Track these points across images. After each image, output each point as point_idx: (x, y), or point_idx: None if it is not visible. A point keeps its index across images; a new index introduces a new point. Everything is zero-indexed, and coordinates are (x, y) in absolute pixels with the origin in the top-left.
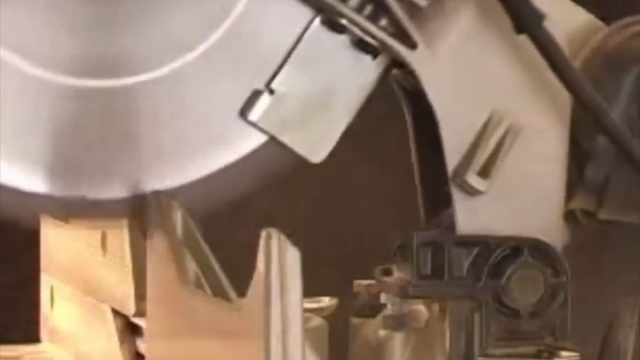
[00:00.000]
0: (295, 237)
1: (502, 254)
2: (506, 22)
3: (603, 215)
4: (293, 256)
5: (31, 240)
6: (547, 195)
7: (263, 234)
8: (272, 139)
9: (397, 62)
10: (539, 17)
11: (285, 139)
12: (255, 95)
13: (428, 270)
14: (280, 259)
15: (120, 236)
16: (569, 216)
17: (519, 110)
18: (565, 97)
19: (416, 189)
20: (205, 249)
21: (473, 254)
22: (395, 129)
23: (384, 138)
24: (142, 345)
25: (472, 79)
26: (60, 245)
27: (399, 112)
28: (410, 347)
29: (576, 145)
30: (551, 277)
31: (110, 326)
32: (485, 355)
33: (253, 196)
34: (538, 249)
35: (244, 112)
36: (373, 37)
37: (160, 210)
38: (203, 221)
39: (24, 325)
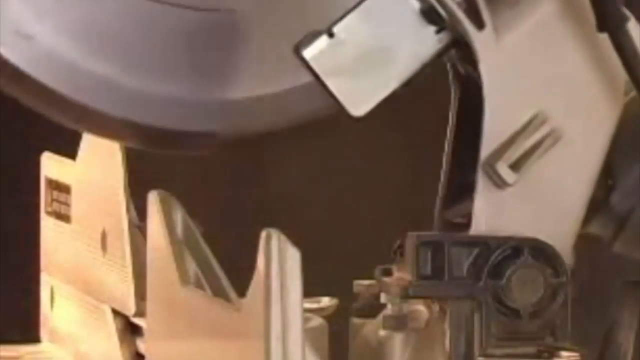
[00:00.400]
0: (295, 237)
1: (502, 254)
2: (582, 28)
3: (617, 247)
4: (293, 256)
5: (31, 240)
6: (569, 206)
7: (263, 234)
8: (318, 81)
9: (457, 43)
10: (623, 18)
11: (330, 83)
12: (314, 34)
13: (428, 270)
14: (280, 259)
15: (120, 236)
16: (581, 240)
17: (565, 117)
18: (611, 118)
19: (416, 190)
20: (205, 249)
21: (473, 254)
22: (397, 129)
23: (385, 139)
24: (142, 345)
25: (529, 74)
26: (60, 245)
27: (401, 112)
28: (410, 347)
29: (608, 169)
30: (551, 277)
31: (110, 326)
32: (485, 356)
33: (253, 196)
34: (538, 249)
35: (298, 48)
36: (444, 6)
37: (160, 210)
38: (203, 221)
39: (24, 325)
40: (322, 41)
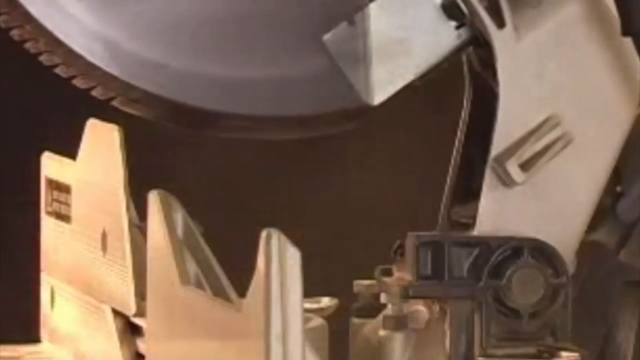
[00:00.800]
0: (295, 237)
1: (502, 254)
2: (604, 31)
3: (623, 256)
4: (293, 256)
5: (31, 240)
6: (575, 210)
7: (263, 234)
8: (335, 67)
9: (476, 41)
10: None
11: (347, 70)
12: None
13: (428, 270)
14: (280, 259)
15: (120, 236)
16: (584, 247)
17: (578, 121)
18: (624, 125)
19: (417, 190)
20: (205, 249)
21: (473, 254)
22: (398, 130)
23: (386, 139)
24: (142, 345)
25: (546, 76)
26: (60, 245)
27: (402, 114)
28: (411, 348)
29: (618, 176)
30: (551, 277)
31: (110, 326)
32: (485, 356)
33: (253, 196)
34: (538, 249)
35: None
36: (466, 2)
37: (160, 210)
38: (203, 221)
39: (24, 325)
40: (342, 28)
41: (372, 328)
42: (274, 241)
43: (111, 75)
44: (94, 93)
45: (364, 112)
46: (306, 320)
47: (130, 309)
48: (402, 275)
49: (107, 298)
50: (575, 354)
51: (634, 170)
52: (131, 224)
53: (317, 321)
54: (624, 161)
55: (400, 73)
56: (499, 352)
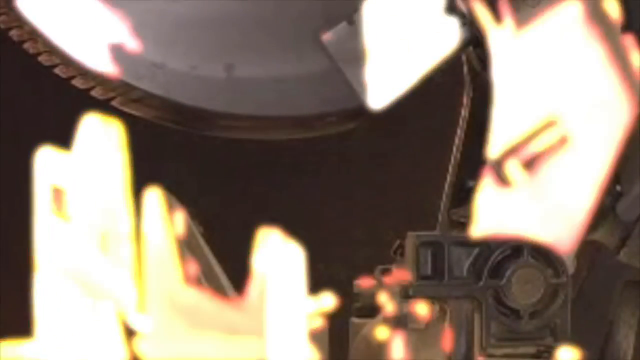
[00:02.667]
0: (295, 237)
1: (502, 254)
2: (604, 30)
3: (623, 257)
4: (293, 256)
5: (31, 240)
6: (574, 210)
7: (263, 233)
8: (335, 67)
9: (476, 41)
10: None
11: (346, 70)
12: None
13: (428, 270)
14: (280, 259)
15: (121, 236)
16: (584, 247)
17: (577, 122)
18: (623, 124)
19: (417, 190)
20: (205, 249)
21: (473, 254)
22: (398, 130)
23: (386, 139)
24: (142, 346)
25: (544, 75)
26: (60, 245)
27: (403, 114)
28: (410, 347)
29: (617, 177)
30: (551, 277)
31: (111, 326)
32: (485, 356)
33: (253, 196)
34: (538, 249)
35: (317, 33)
36: (465, 1)
37: (161, 210)
38: (203, 221)
39: (23, 325)
40: (342, 28)
41: (372, 328)
42: (274, 241)
43: (111, 75)
44: (93, 93)
45: (364, 112)
46: (306, 320)
47: (130, 309)
48: (402, 275)
49: (107, 298)
50: (575, 354)
51: (634, 170)
52: (131, 224)
53: (317, 321)
54: (624, 161)
55: (402, 74)
56: (499, 351)
